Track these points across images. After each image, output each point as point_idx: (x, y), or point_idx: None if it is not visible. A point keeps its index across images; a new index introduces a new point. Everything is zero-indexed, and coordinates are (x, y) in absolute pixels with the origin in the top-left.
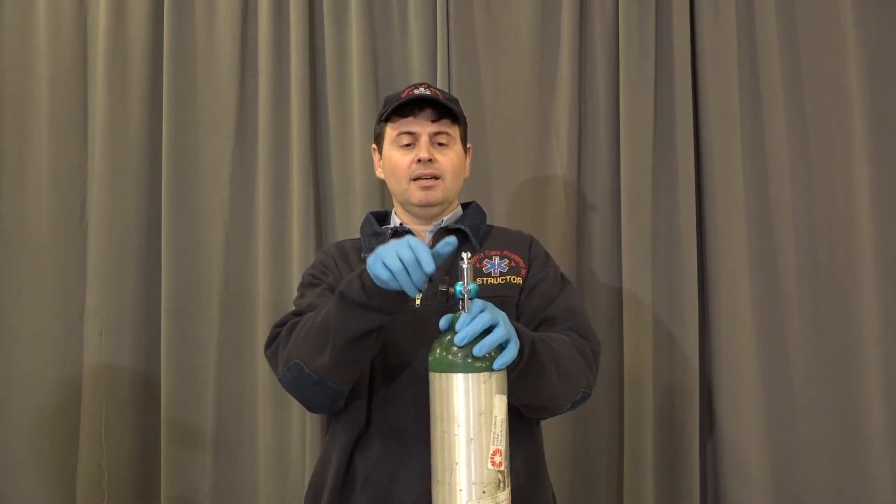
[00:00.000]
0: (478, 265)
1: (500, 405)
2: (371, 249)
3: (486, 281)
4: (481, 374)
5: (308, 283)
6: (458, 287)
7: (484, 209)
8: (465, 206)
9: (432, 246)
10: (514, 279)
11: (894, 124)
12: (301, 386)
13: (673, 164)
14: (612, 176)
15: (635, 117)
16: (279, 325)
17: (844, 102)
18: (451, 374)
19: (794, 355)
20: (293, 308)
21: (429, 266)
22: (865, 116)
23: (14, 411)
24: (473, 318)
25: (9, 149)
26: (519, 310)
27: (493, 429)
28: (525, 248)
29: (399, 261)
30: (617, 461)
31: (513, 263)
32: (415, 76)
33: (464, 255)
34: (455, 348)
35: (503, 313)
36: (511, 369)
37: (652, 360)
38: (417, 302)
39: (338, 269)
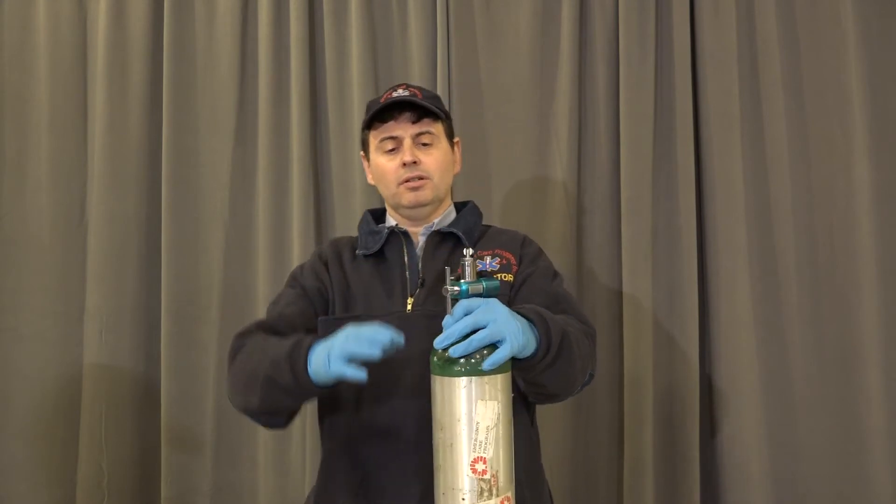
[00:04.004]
0: None
1: (484, 412)
2: (367, 247)
3: None
4: (458, 378)
5: (289, 283)
6: (457, 287)
7: (481, 209)
8: (460, 205)
9: (426, 248)
10: (505, 276)
11: (894, 124)
12: (242, 413)
13: (673, 164)
14: (612, 176)
15: (635, 117)
16: (242, 336)
17: (844, 102)
18: (434, 377)
19: (794, 355)
20: (264, 314)
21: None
22: (865, 116)
23: (14, 411)
24: (456, 321)
25: (9, 149)
26: (511, 305)
27: (474, 435)
28: (517, 245)
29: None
30: (617, 461)
31: (504, 261)
32: (415, 76)
33: (465, 252)
34: (441, 351)
35: (501, 312)
36: (538, 360)
37: (652, 360)
38: (409, 308)
39: (326, 272)
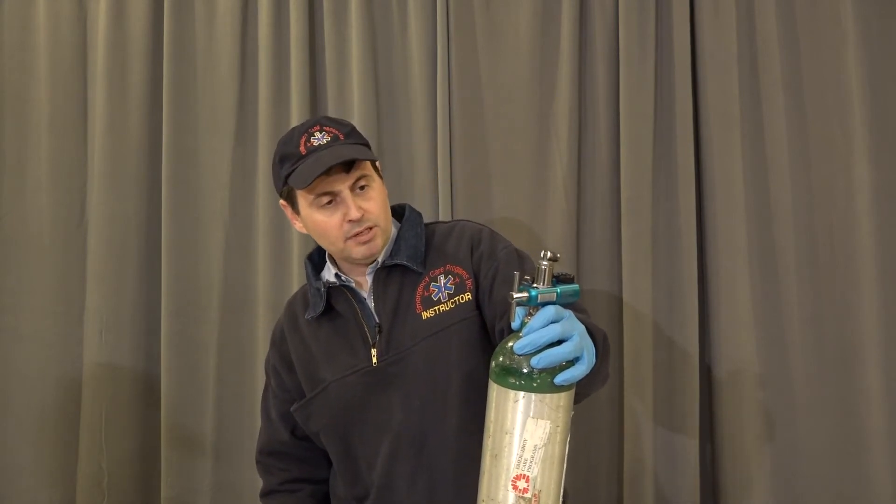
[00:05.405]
0: (425, 293)
1: (534, 430)
2: (314, 309)
3: (439, 310)
4: (512, 391)
5: (267, 380)
6: (524, 294)
7: (481, 209)
8: (398, 210)
9: (375, 288)
10: (462, 298)
11: (894, 124)
12: None
13: (673, 164)
14: (612, 176)
15: (635, 117)
16: (263, 466)
17: (844, 102)
18: (490, 382)
19: (794, 355)
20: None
21: None
22: (865, 116)
23: (14, 411)
24: (541, 328)
25: (9, 149)
26: (487, 320)
27: (519, 452)
28: (466, 254)
29: None
30: (617, 461)
31: (457, 280)
32: (415, 76)
33: (543, 253)
34: (500, 358)
35: (580, 326)
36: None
37: (652, 360)
38: (374, 361)
39: (283, 359)
